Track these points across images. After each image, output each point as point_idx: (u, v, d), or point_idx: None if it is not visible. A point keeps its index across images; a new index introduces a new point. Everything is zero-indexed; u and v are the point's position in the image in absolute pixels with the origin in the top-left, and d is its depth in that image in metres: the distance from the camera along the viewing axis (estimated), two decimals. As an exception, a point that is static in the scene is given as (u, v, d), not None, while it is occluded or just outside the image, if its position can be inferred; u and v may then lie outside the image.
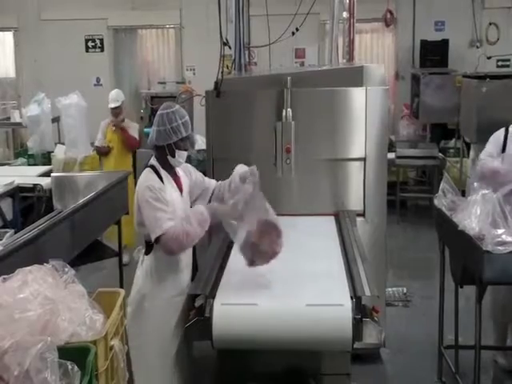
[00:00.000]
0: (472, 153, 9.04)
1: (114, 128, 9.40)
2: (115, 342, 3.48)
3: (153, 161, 4.35)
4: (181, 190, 4.44)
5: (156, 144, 4.31)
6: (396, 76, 13.68)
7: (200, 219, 4.10)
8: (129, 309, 4.31)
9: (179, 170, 4.49)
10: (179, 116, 4.26)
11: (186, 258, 4.40)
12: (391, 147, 10.51)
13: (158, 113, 4.31)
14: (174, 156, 4.32)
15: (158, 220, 4.08)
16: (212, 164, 5.75)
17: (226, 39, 5.73)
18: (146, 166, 4.36)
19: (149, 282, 4.27)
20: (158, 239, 4.11)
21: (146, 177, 4.25)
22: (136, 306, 4.29)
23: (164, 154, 4.31)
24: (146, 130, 11.85)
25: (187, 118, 4.33)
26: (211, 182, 4.74)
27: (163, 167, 4.31)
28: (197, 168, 4.73)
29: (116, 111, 9.62)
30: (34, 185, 7.94)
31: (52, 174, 7.78)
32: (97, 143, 9.52)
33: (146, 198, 4.13)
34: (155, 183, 4.18)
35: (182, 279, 4.35)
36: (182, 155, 4.37)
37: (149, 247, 4.30)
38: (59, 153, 9.66)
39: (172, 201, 4.26)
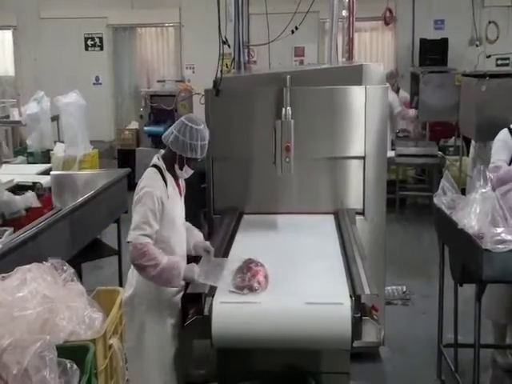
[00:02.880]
0: (472, 151, 9.01)
1: None
2: (114, 341, 3.48)
3: (157, 161, 4.32)
4: (180, 193, 4.45)
5: (170, 147, 4.29)
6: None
7: (170, 274, 4.06)
8: (123, 310, 4.30)
9: None
10: (201, 137, 4.23)
11: (181, 254, 4.41)
12: (391, 145, 10.51)
13: (184, 121, 4.26)
14: (181, 169, 4.32)
15: (138, 229, 4.07)
16: (212, 163, 5.74)
17: (226, 38, 5.72)
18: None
19: (144, 283, 4.25)
20: (130, 241, 4.10)
21: (152, 179, 4.23)
22: (131, 307, 4.27)
23: (173, 159, 4.30)
24: (145, 128, 11.90)
25: (207, 142, 4.30)
26: None
27: (168, 169, 4.31)
28: (196, 167, 4.72)
29: None
30: (34, 183, 7.90)
31: (51, 173, 7.77)
32: None
33: (143, 202, 4.12)
34: (158, 190, 4.17)
35: None
36: (188, 171, 4.37)
37: None
38: (59, 151, 9.64)
39: (173, 206, 4.28)
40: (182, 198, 4.50)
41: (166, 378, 4.33)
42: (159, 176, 4.24)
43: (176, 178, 4.40)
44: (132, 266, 4.32)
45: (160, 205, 4.13)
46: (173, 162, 4.30)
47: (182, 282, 4.16)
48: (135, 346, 4.29)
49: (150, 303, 4.24)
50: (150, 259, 4.01)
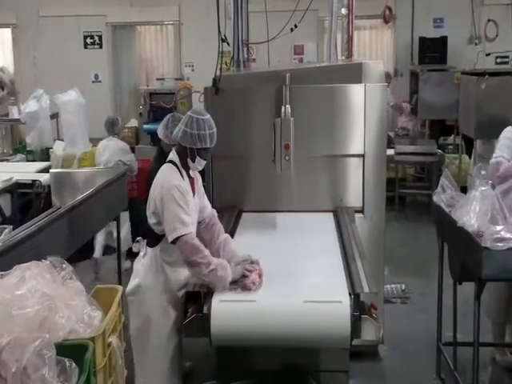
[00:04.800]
0: (478, 148, 8.92)
1: None
2: (113, 339, 3.48)
3: (173, 156, 4.37)
4: (194, 191, 4.45)
5: (180, 143, 4.33)
6: (395, 73, 13.68)
7: (224, 273, 3.98)
8: (129, 298, 4.34)
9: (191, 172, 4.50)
10: (208, 126, 4.27)
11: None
12: (390, 144, 10.51)
13: (189, 114, 4.30)
14: (193, 161, 4.34)
15: (183, 221, 4.07)
16: (211, 161, 5.74)
17: (225, 36, 5.72)
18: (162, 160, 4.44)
19: (151, 275, 4.29)
20: (176, 238, 4.08)
21: (171, 174, 4.27)
22: (136, 298, 4.33)
23: (185, 155, 4.33)
24: (145, 126, 11.87)
25: (215, 130, 4.33)
26: (208, 205, 4.71)
27: (182, 165, 4.34)
28: (207, 157, 4.72)
29: None
30: (33, 181, 7.94)
31: (51, 171, 7.78)
32: None
33: (173, 196, 4.12)
34: (181, 183, 4.21)
35: (183, 274, 4.33)
36: (200, 163, 4.39)
37: (155, 240, 4.30)
38: (58, 149, 9.65)
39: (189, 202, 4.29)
40: (196, 196, 4.47)
41: (168, 370, 4.37)
42: (176, 170, 4.29)
43: (190, 176, 4.41)
44: (140, 255, 4.35)
45: (187, 193, 4.18)
46: (185, 156, 4.33)
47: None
48: (139, 335, 4.33)
49: (155, 295, 4.27)
50: (203, 256, 4.00)
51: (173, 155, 4.37)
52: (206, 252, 4.05)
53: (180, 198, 4.12)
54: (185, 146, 4.29)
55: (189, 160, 4.33)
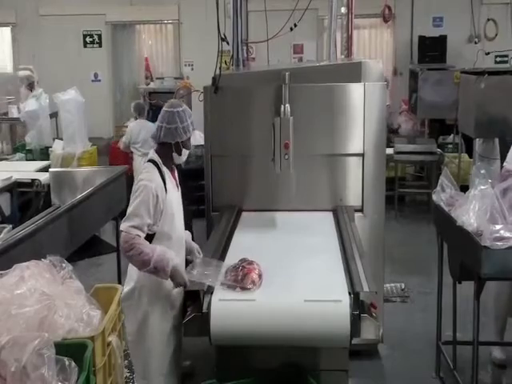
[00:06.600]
0: (477, 147, 8.88)
1: None
2: (113, 338, 3.48)
3: (153, 155, 4.35)
4: (177, 184, 4.47)
5: (164, 141, 4.31)
6: (394, 72, 13.69)
7: (160, 265, 4.05)
8: (124, 304, 4.31)
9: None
10: (188, 115, 4.31)
11: (180, 251, 4.41)
12: (389, 143, 10.51)
13: (167, 110, 4.32)
14: (180, 154, 4.36)
15: (128, 220, 4.09)
16: (210, 160, 5.74)
17: (224, 35, 5.71)
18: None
19: (144, 276, 4.25)
20: (122, 230, 4.13)
21: (150, 174, 4.24)
22: (132, 301, 4.28)
23: (169, 151, 4.33)
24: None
25: (192, 117, 4.37)
26: None
27: (164, 163, 4.32)
28: (195, 163, 4.74)
29: None
30: (32, 180, 7.94)
31: (50, 170, 7.79)
32: None
33: (137, 195, 4.14)
34: (154, 184, 4.18)
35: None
36: (185, 153, 4.42)
37: (147, 240, 4.29)
38: (57, 148, 9.65)
39: (171, 200, 4.28)
40: (179, 191, 4.52)
41: (168, 369, 4.36)
42: (156, 170, 4.26)
43: (172, 171, 4.42)
44: None
45: (155, 198, 4.15)
46: (168, 153, 4.33)
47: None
48: (138, 339, 4.31)
49: (152, 296, 4.25)
50: (139, 253, 4.01)
51: (152, 154, 4.36)
52: (143, 248, 4.04)
53: (143, 201, 4.11)
54: (169, 143, 4.30)
55: (175, 155, 4.34)
